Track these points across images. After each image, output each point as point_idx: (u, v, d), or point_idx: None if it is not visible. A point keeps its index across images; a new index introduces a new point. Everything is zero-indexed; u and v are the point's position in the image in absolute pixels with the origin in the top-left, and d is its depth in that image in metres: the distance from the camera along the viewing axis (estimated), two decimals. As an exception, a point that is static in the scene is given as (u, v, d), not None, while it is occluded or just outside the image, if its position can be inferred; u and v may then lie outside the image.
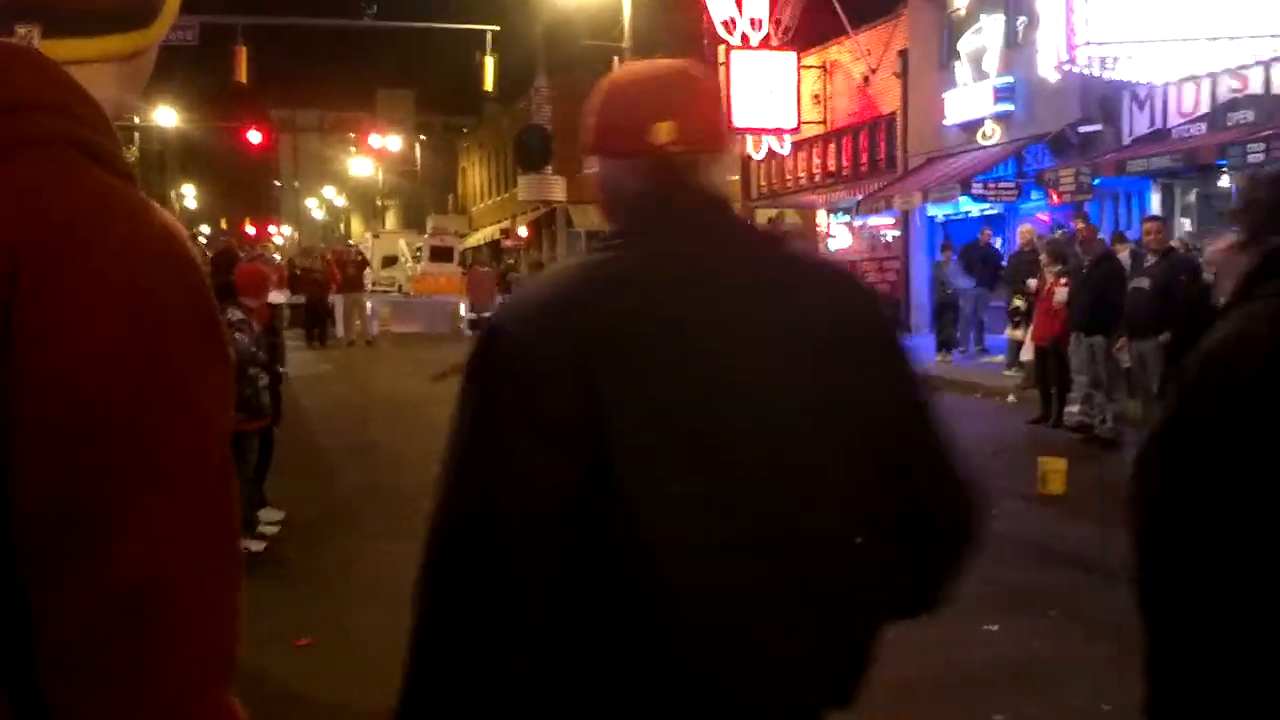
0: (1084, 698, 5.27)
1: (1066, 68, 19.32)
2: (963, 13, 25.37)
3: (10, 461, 1.01)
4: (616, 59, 33.99)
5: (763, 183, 35.60)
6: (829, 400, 1.68)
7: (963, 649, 5.93)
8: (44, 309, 1.02)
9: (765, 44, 31.54)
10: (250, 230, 78.84)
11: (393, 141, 58.19)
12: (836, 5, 29.01)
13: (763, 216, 35.58)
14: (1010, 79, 23.52)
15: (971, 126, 24.71)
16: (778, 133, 32.03)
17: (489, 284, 25.34)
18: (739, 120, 31.69)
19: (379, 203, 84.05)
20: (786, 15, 31.26)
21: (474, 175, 65.36)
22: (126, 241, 1.07)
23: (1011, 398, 15.62)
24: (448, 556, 1.62)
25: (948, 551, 1.91)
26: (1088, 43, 18.60)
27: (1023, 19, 22.85)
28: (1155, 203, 20.14)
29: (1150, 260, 11.29)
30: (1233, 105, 18.22)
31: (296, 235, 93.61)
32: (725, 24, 31.63)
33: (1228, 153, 16.75)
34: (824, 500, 1.67)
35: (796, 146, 32.74)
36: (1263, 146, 15.98)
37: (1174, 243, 12.43)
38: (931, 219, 26.96)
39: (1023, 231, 18.09)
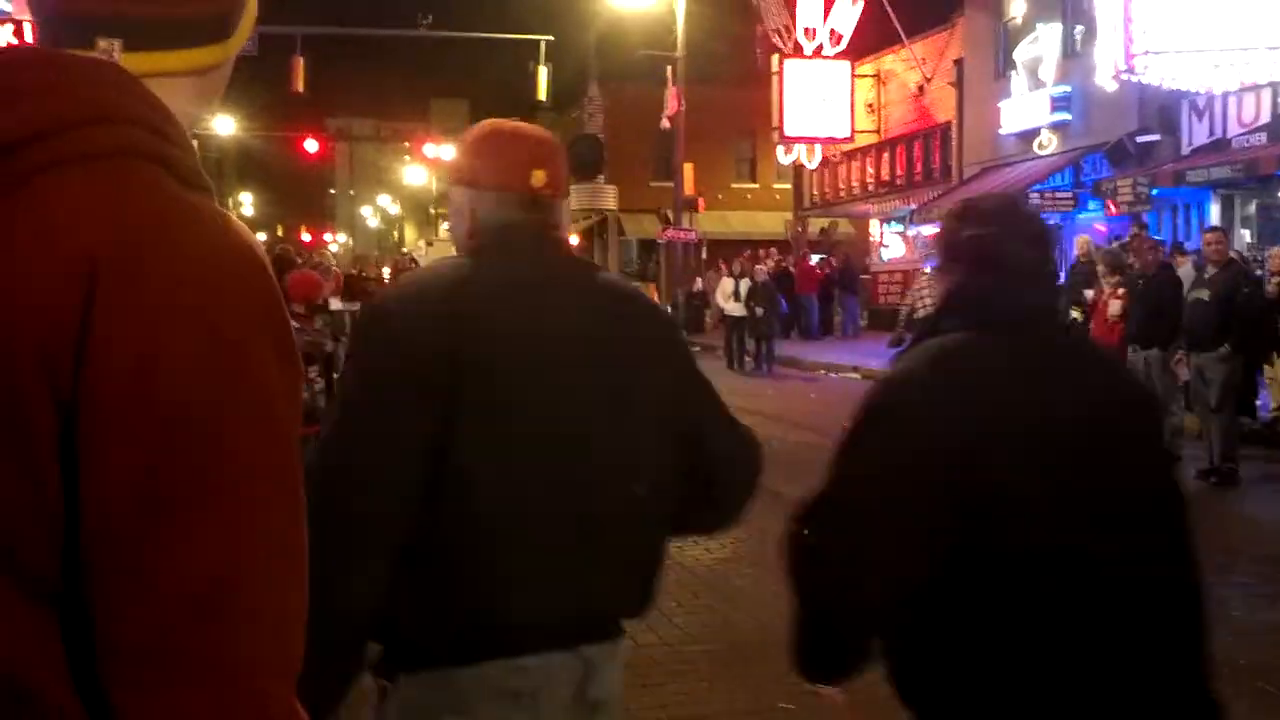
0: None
1: (1124, 77, 19.12)
2: (1019, 22, 25.19)
3: (91, 462, 1.03)
4: (670, 68, 34.04)
5: (815, 192, 35.51)
6: (622, 386, 2.21)
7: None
8: (125, 315, 1.04)
9: (819, 53, 31.50)
10: (306, 238, 79.61)
11: (446, 150, 58.46)
12: (891, 14, 28.91)
13: (815, 226, 35.53)
14: (1067, 88, 23.33)
15: (1028, 136, 24.53)
16: (831, 141, 31.97)
17: None
18: (791, 129, 31.65)
19: (432, 211, 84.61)
20: (840, 24, 31.20)
21: (527, 184, 65.60)
22: (203, 251, 1.09)
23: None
24: (329, 479, 1.92)
25: (728, 493, 2.48)
26: (1145, 52, 18.41)
27: (1080, 28, 22.65)
28: (1215, 213, 19.87)
29: (1210, 272, 11.13)
30: (1294, 115, 17.97)
31: (351, 243, 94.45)
32: (779, 32, 31.61)
33: (1289, 163, 16.52)
34: (609, 458, 2.17)
35: (849, 156, 32.65)
36: (1325, 157, 15.74)
37: (1234, 254, 12.24)
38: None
39: (1080, 242, 17.90)
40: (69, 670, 1.05)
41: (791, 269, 29.00)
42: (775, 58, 31.86)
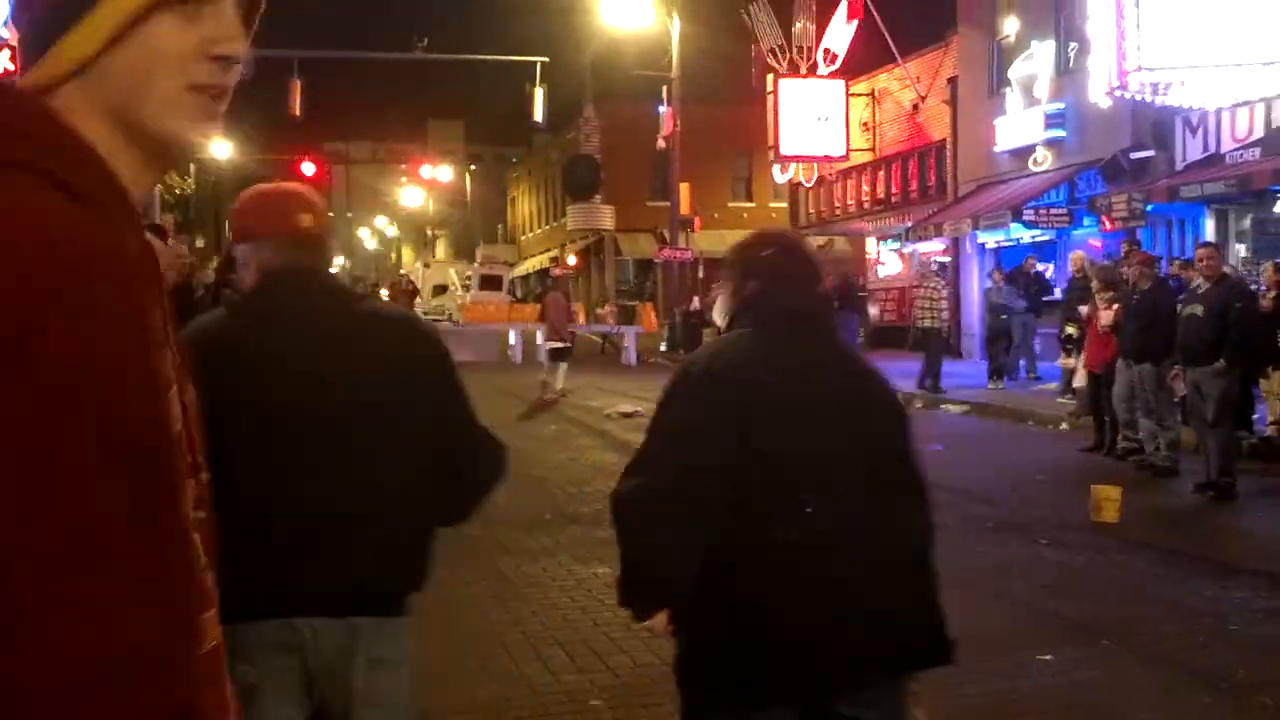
0: (1138, 729, 5.21)
1: (1118, 94, 19.19)
2: (1012, 40, 25.29)
3: None
4: (665, 88, 34.15)
5: (811, 210, 35.59)
6: (377, 396, 2.68)
7: (1015, 678, 5.88)
8: None
9: (814, 72, 31.60)
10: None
11: (443, 172, 58.67)
12: (885, 33, 29.02)
13: (812, 244, 35.58)
14: (1061, 105, 23.41)
15: (1022, 153, 24.61)
16: (826, 160, 32.05)
17: (566, 311, 22.38)
18: (786, 148, 31.74)
19: (430, 232, 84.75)
20: (835, 44, 31.31)
21: (523, 205, 65.78)
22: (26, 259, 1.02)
23: (1065, 425, 15.48)
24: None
25: (472, 483, 2.98)
26: (1139, 68, 18.48)
27: (1073, 45, 22.74)
28: (1209, 229, 19.92)
29: (1204, 287, 11.17)
30: (1288, 130, 18.03)
31: (349, 265, 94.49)
32: (774, 52, 31.72)
33: (1283, 178, 16.57)
34: (361, 460, 2.64)
35: (845, 174, 32.73)
36: (1319, 171, 15.79)
37: (1226, 269, 12.28)
38: (982, 246, 26.81)
39: (1074, 258, 17.95)
40: None
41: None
42: (770, 77, 31.97)
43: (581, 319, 34.86)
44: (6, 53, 15.71)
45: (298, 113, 29.90)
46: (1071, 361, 15.10)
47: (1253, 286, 13.69)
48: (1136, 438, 12.67)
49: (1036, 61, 24.12)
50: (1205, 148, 19.99)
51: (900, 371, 22.62)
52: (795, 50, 31.72)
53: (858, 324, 30.13)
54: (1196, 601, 7.28)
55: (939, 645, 2.91)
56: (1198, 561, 8.48)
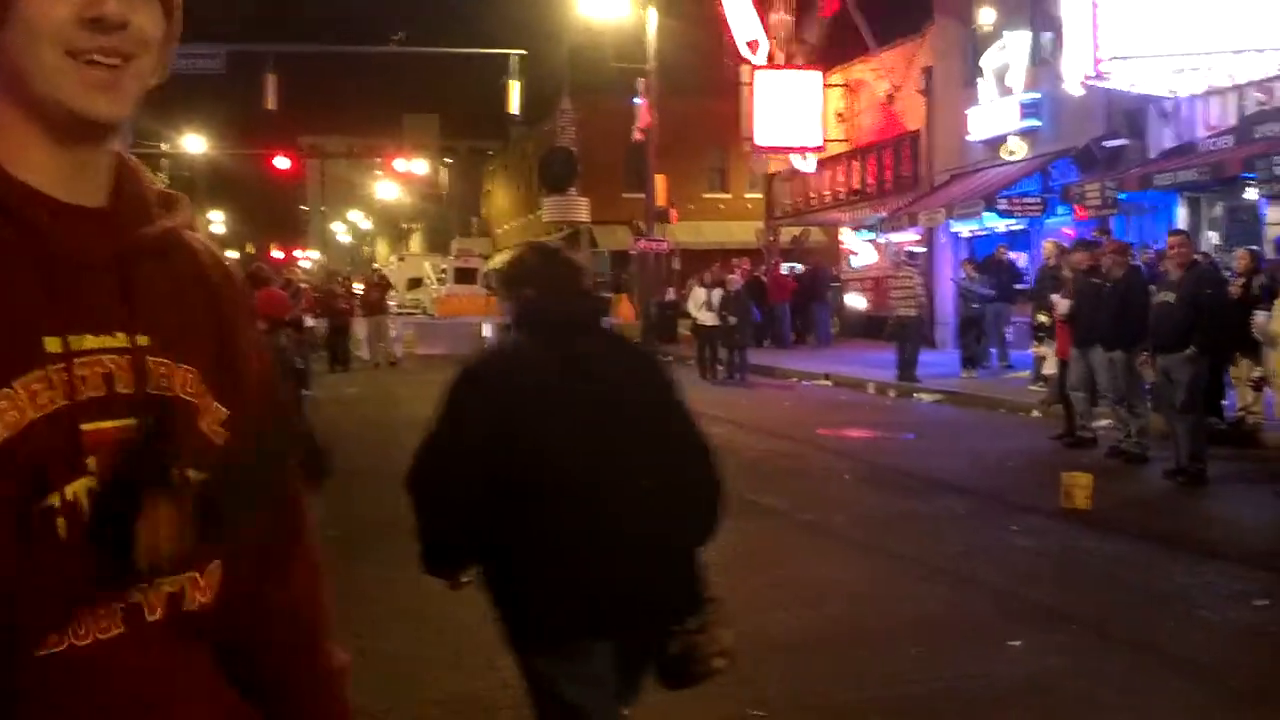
0: (1107, 713, 5.23)
1: (1091, 83, 19.26)
2: (987, 30, 25.34)
3: None
4: (641, 81, 34.10)
5: (787, 201, 35.60)
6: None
7: (986, 664, 5.90)
8: None
9: (789, 63, 31.61)
10: (277, 255, 79.33)
11: (418, 165, 58.51)
12: (860, 24, 29.05)
13: (787, 235, 35.65)
14: (1035, 95, 23.48)
15: (996, 143, 24.68)
16: (802, 151, 32.07)
17: None
18: (762, 139, 31.75)
19: (405, 226, 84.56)
20: (810, 35, 31.33)
21: (499, 198, 65.64)
22: None
23: (1036, 413, 15.54)
24: None
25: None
26: (1112, 58, 18.54)
27: (1047, 35, 22.80)
28: (1182, 217, 20.02)
29: (1175, 274, 11.22)
30: (1259, 118, 18.11)
31: (324, 259, 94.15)
32: (749, 44, 31.71)
33: (1254, 166, 16.64)
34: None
35: (821, 164, 32.74)
36: (1289, 159, 15.87)
37: (1197, 256, 12.35)
38: (956, 235, 26.88)
39: (1047, 247, 18.01)
40: None
41: (764, 278, 29.05)
42: (745, 69, 31.96)
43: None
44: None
45: (272, 106, 29.75)
46: (1043, 349, 15.16)
47: (1225, 273, 13.75)
48: (1092, 427, 12.75)
49: (1010, 51, 24.17)
50: (1178, 136, 20.08)
51: (871, 361, 22.72)
52: (771, 42, 31.71)
53: (828, 314, 30.21)
54: (1166, 587, 7.32)
55: (694, 597, 3.40)
56: (1168, 547, 8.52)
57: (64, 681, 1.19)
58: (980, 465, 11.91)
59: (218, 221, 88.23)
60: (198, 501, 1.22)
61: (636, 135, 34.82)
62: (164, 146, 45.44)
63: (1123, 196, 19.65)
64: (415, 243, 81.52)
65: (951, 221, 25.33)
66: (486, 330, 32.11)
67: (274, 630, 1.47)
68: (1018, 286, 20.82)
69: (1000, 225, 24.88)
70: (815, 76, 31.65)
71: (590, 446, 3.15)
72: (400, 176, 65.01)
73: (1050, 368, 14.44)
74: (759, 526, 9.19)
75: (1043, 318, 14.80)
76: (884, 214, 28.83)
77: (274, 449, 1.49)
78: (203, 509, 1.23)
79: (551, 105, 44.46)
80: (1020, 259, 22.86)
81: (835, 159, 32.37)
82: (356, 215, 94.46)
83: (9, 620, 1.15)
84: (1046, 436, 13.56)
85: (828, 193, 33.30)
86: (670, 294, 32.73)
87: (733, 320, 21.31)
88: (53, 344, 1.19)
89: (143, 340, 1.26)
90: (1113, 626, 6.53)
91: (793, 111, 31.40)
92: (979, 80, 25.29)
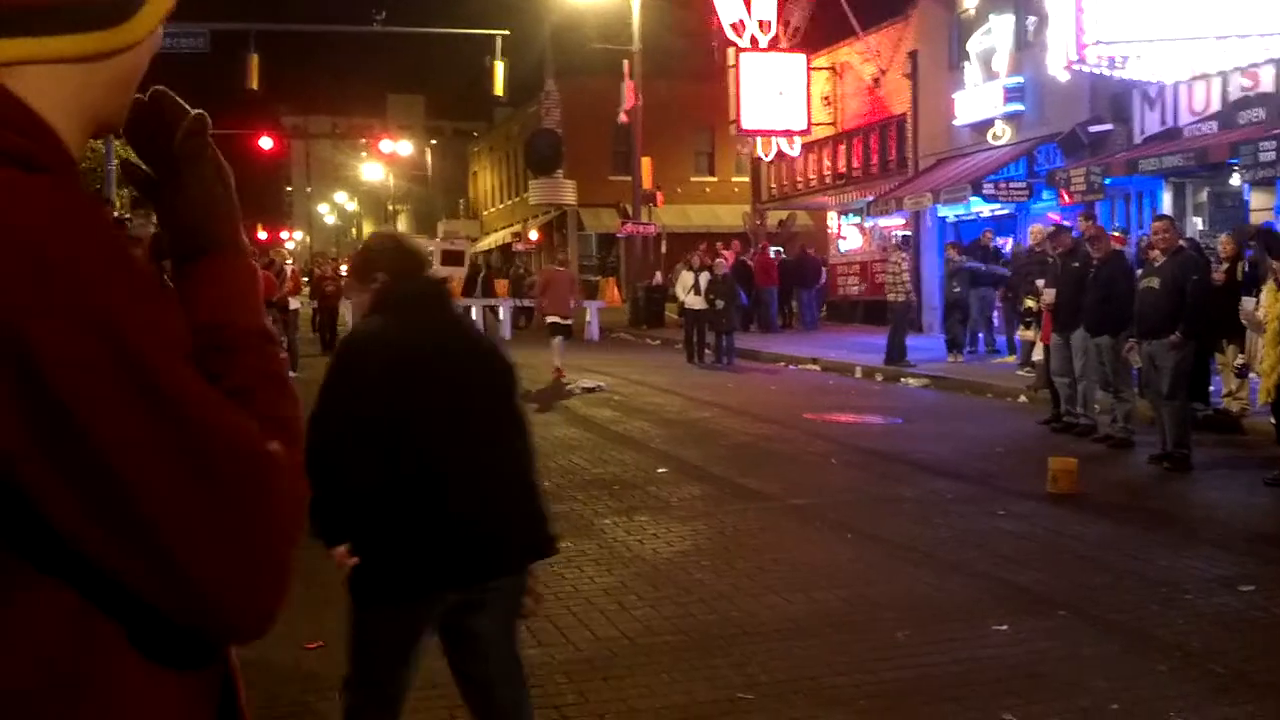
0: (1093, 697, 5.27)
1: (1076, 67, 19.28)
2: (972, 13, 25.33)
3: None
4: (626, 62, 34.01)
5: (773, 185, 35.60)
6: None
7: (973, 648, 5.93)
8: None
9: (774, 46, 31.57)
10: (262, 235, 78.98)
11: (403, 146, 58.29)
12: (846, 7, 29.01)
13: (774, 218, 35.64)
14: (1020, 79, 23.51)
15: (982, 127, 24.71)
16: (788, 134, 32.05)
17: (568, 286, 20.13)
18: (748, 122, 31.71)
19: (390, 207, 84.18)
20: (796, 17, 31.28)
21: (484, 179, 65.46)
22: (33, 228, 1.10)
23: (1023, 398, 15.60)
24: None
25: None
26: (1097, 42, 18.57)
27: (1032, 19, 22.81)
28: (1167, 202, 20.08)
29: (1161, 260, 11.26)
30: (1244, 103, 18.17)
31: (308, 240, 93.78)
32: (734, 26, 31.65)
33: (1239, 151, 16.70)
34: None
35: (806, 148, 32.74)
36: (1274, 145, 15.94)
37: (1183, 242, 12.39)
38: (942, 219, 26.92)
39: (1034, 231, 18.07)
40: None
41: (750, 262, 29.05)
42: (731, 51, 31.91)
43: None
44: None
45: (255, 87, 29.56)
46: (1030, 334, 15.21)
47: (1208, 260, 13.80)
48: (1077, 412, 12.81)
49: (995, 35, 24.19)
50: (1163, 121, 20.13)
51: (858, 346, 22.77)
52: (756, 24, 31.65)
53: (814, 298, 30.23)
54: (1152, 572, 7.37)
55: (548, 541, 3.78)
56: (1153, 532, 8.57)
57: None
58: (967, 450, 11.95)
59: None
60: None
61: (622, 117, 34.75)
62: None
63: (1108, 181, 19.70)
64: (401, 224, 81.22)
65: (938, 206, 25.37)
66: (474, 313, 32.13)
67: None
68: (1000, 271, 20.88)
69: (986, 210, 24.93)
70: (800, 60, 31.63)
71: (449, 415, 3.54)
72: (385, 157, 64.78)
73: (1038, 353, 14.50)
74: (747, 511, 9.23)
75: (1030, 303, 14.85)
76: (870, 198, 28.86)
77: None
78: None
79: (535, 87, 44.37)
80: (1006, 244, 22.92)
81: (821, 143, 32.37)
82: (341, 196, 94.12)
83: None
84: (1034, 422, 13.61)
85: (814, 176, 33.32)
86: (657, 277, 32.70)
87: (720, 304, 21.31)
88: None
89: None
90: (1099, 611, 6.57)
91: (778, 95, 31.37)
92: (965, 64, 25.31)
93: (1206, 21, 17.67)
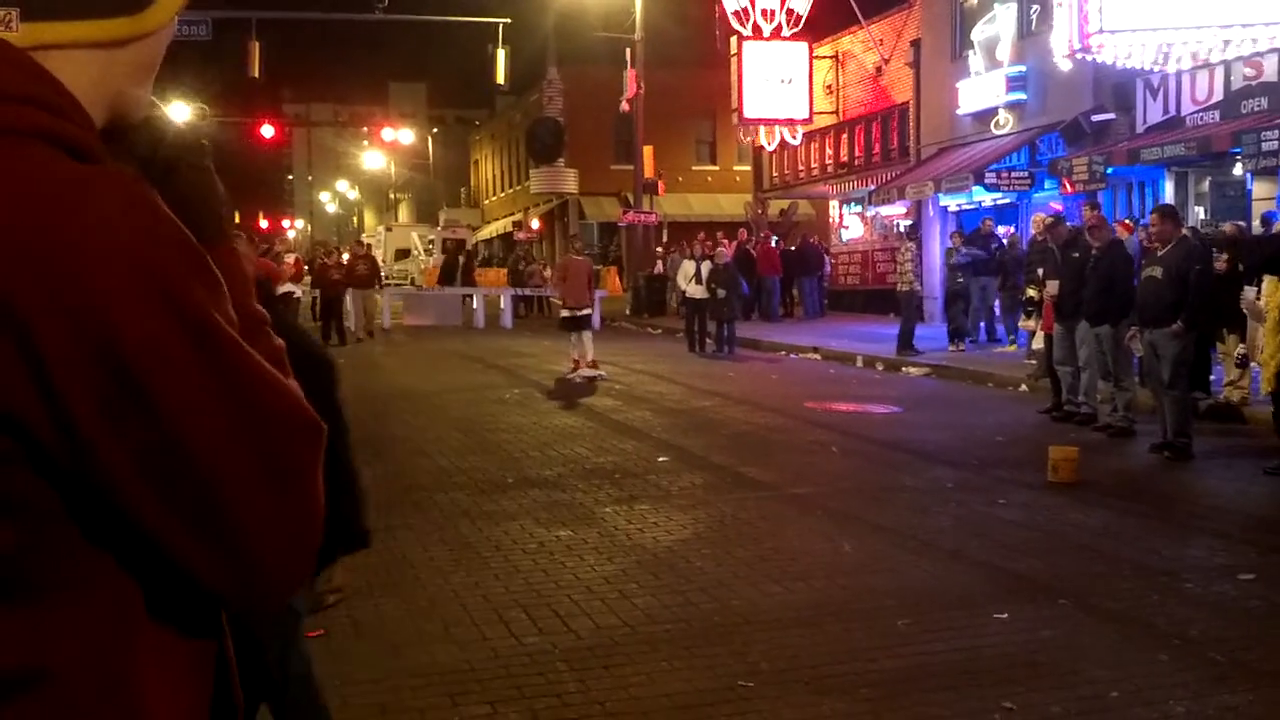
0: (1093, 686, 5.28)
1: (1079, 56, 19.24)
2: (975, 2, 25.29)
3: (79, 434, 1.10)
4: (628, 50, 33.95)
5: (775, 173, 35.56)
6: None
7: (973, 637, 5.94)
8: (58, 295, 1.08)
9: (777, 34, 31.50)
10: (263, 224, 79.00)
11: (405, 135, 58.19)
12: (849, -5, 28.95)
13: (775, 207, 35.63)
14: (1023, 68, 23.46)
15: (984, 116, 24.66)
16: (790, 123, 32.00)
17: (587, 276, 19.08)
18: (750, 111, 31.66)
19: (392, 196, 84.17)
20: (799, 5, 31.20)
21: (486, 168, 65.39)
22: (99, 220, 1.11)
23: (1024, 387, 15.60)
24: None
25: None
26: (1100, 31, 18.53)
27: (1035, 8, 22.77)
28: (1169, 191, 20.07)
29: (1163, 250, 11.25)
30: (1246, 93, 18.14)
31: (309, 228, 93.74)
32: (737, 14, 31.58)
33: (1241, 140, 16.68)
34: None
35: (809, 137, 32.69)
36: (1276, 134, 15.92)
37: (1186, 231, 12.38)
38: (944, 209, 26.89)
39: (1036, 221, 18.05)
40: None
41: (753, 250, 29.03)
42: (734, 40, 31.84)
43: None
44: None
45: (257, 75, 29.55)
46: (1032, 323, 15.21)
47: (1210, 249, 13.78)
48: (1078, 401, 12.81)
49: (999, 24, 24.13)
50: (1165, 110, 20.10)
51: (859, 335, 22.77)
52: (759, 12, 31.58)
53: (816, 287, 30.19)
54: (1152, 560, 7.37)
55: (363, 534, 3.85)
56: (1153, 521, 8.58)
57: None
58: (968, 439, 11.96)
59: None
60: None
61: (624, 106, 34.71)
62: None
63: (1110, 171, 19.69)
64: (403, 213, 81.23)
65: (940, 195, 25.34)
66: (475, 302, 32.15)
67: None
68: (978, 253, 20.96)
69: (988, 199, 24.90)
70: (803, 48, 31.57)
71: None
72: (387, 146, 64.68)
73: (1039, 342, 14.51)
74: (747, 499, 9.24)
75: (1032, 292, 14.84)
76: (872, 187, 28.83)
77: None
78: None
79: (538, 75, 44.30)
80: (1007, 233, 22.91)
81: (823, 131, 32.32)
82: (343, 185, 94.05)
83: None
84: (1035, 411, 13.62)
85: (815, 165, 33.29)
86: (659, 266, 32.69)
87: (721, 293, 21.31)
88: None
89: None
90: (1099, 599, 6.58)
91: (781, 83, 31.32)
92: (968, 53, 25.26)
93: (1209, 10, 17.63)
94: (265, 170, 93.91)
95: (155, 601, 1.20)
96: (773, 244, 30.77)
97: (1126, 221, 16.18)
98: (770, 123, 32.10)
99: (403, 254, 52.84)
